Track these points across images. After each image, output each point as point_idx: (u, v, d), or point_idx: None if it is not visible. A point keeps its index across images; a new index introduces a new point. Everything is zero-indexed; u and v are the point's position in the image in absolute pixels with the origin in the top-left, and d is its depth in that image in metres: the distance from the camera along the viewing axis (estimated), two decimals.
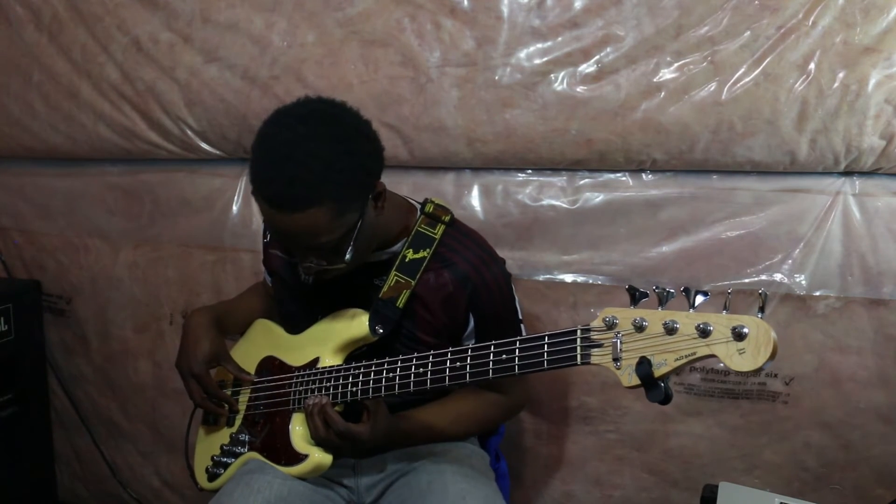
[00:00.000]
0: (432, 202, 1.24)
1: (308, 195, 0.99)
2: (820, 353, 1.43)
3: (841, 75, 1.30)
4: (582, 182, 1.50)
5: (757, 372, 0.75)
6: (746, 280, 1.43)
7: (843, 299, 1.41)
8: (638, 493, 1.59)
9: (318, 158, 1.00)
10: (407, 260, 1.18)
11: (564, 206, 1.50)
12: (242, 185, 1.73)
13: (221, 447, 1.30)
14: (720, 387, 1.49)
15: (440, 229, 1.20)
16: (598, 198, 1.49)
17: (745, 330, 0.75)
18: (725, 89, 1.34)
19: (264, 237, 1.38)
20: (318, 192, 1.00)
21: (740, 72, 1.33)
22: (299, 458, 1.15)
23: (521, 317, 1.25)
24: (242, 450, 1.25)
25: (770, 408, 1.48)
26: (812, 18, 1.29)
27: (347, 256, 1.06)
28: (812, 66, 1.31)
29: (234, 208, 1.74)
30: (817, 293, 1.41)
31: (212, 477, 1.30)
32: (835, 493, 1.49)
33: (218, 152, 1.71)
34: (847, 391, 1.44)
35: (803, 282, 1.41)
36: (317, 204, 1.00)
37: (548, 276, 1.53)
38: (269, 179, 1.02)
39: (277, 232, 1.07)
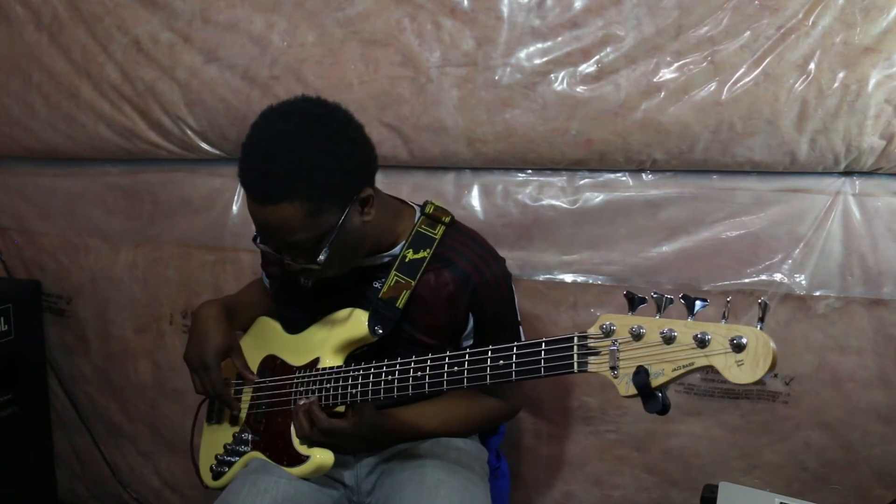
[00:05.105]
0: (432, 204, 1.23)
1: (279, 189, 1.01)
2: (820, 353, 1.43)
3: (841, 75, 1.30)
4: (582, 182, 1.50)
5: (755, 384, 0.73)
6: (746, 280, 1.43)
7: (843, 299, 1.41)
8: (638, 493, 1.59)
9: (292, 154, 1.02)
10: (407, 260, 1.17)
11: (564, 206, 1.50)
12: None
13: (225, 446, 1.30)
14: (720, 387, 1.49)
15: (440, 230, 1.20)
16: (598, 198, 1.49)
17: (744, 341, 0.73)
18: (725, 89, 1.34)
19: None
20: (289, 187, 1.01)
21: (740, 72, 1.33)
22: (301, 459, 1.15)
23: (519, 319, 1.24)
24: (246, 448, 1.26)
25: (770, 408, 1.48)
26: (812, 18, 1.29)
27: (321, 257, 1.05)
28: (812, 66, 1.31)
29: (234, 208, 1.74)
30: (817, 293, 1.41)
31: (216, 476, 1.30)
32: (835, 493, 1.49)
33: (218, 152, 1.71)
34: (847, 391, 1.44)
35: (803, 282, 1.41)
36: (287, 199, 1.01)
37: (548, 276, 1.53)
38: (247, 169, 1.06)
39: (256, 223, 1.09)
